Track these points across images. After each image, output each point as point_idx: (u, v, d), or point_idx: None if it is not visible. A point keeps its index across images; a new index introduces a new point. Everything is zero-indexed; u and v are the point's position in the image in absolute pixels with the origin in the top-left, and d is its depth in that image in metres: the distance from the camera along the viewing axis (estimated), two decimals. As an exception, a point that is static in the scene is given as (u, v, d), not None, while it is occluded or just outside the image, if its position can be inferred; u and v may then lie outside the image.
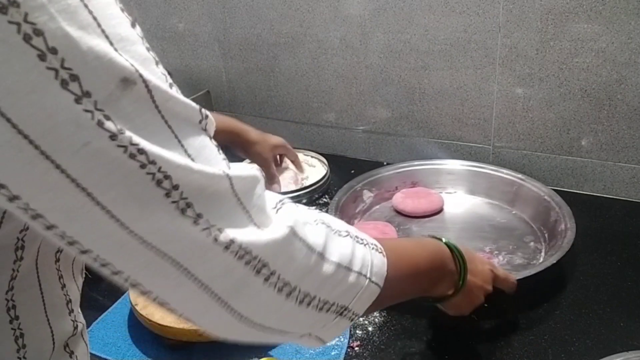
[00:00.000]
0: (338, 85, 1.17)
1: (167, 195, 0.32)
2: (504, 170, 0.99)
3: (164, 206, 0.32)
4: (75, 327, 0.48)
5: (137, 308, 0.72)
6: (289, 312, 0.40)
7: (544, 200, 0.91)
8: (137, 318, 0.73)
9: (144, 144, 0.31)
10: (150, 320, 0.70)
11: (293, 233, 0.39)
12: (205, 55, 1.29)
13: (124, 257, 0.34)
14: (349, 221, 0.94)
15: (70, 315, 0.48)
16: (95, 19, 0.29)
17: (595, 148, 0.98)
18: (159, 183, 0.32)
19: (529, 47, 0.95)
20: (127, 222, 0.32)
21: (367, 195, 1.00)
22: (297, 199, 1.03)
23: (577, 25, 0.90)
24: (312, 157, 1.16)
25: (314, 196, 1.05)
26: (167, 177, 0.32)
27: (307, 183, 1.06)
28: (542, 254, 0.85)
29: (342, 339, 0.71)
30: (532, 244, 0.87)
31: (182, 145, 0.33)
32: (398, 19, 1.04)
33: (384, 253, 0.49)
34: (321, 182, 1.06)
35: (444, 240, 0.61)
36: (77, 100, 0.28)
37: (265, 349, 0.70)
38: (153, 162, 0.31)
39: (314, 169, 1.12)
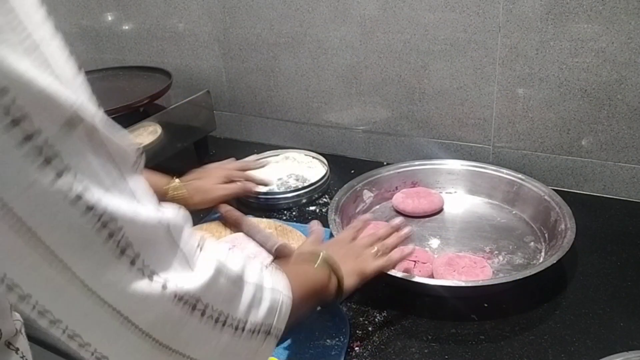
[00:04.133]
0: (338, 85, 1.17)
1: (110, 236, 0.33)
2: (504, 170, 0.99)
3: (105, 250, 0.33)
4: (17, 327, 0.50)
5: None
6: (228, 343, 0.42)
7: (544, 200, 0.91)
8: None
9: (87, 185, 0.31)
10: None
11: (220, 267, 0.41)
12: (205, 55, 1.29)
13: (63, 303, 0.33)
14: (349, 221, 0.94)
15: (12, 315, 0.49)
16: (47, 60, 0.30)
17: (595, 148, 0.98)
18: (102, 226, 0.32)
19: (529, 47, 0.95)
20: (70, 264, 0.32)
21: (367, 195, 1.00)
22: (297, 199, 1.03)
23: (577, 25, 0.91)
24: (312, 157, 1.16)
25: (313, 196, 1.05)
26: (109, 220, 0.32)
27: (307, 183, 1.06)
28: (542, 254, 0.85)
29: (342, 339, 0.71)
30: (532, 244, 0.88)
31: (120, 186, 0.34)
32: (398, 19, 1.04)
33: (278, 269, 0.53)
34: (321, 182, 1.06)
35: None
36: (26, 138, 0.29)
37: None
38: (96, 205, 0.32)
39: (314, 169, 1.13)
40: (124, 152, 0.35)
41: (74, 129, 0.31)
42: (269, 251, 0.86)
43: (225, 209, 0.96)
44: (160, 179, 0.92)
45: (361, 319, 0.75)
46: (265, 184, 1.04)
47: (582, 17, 0.89)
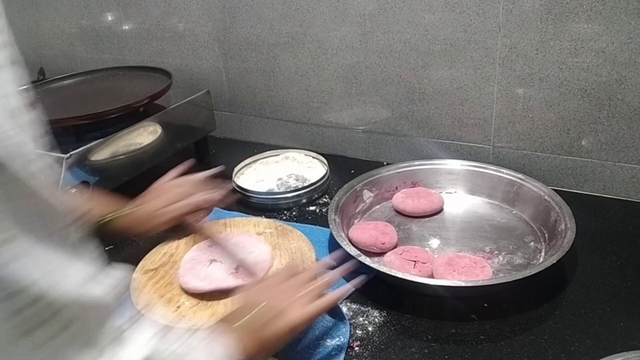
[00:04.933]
0: (338, 85, 1.17)
1: (16, 313, 0.30)
2: (504, 170, 0.99)
3: (7, 327, 0.30)
4: None
5: (138, 308, 0.72)
6: None
7: (544, 200, 0.91)
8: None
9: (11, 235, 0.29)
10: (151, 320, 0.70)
11: (152, 351, 0.40)
12: (205, 55, 1.29)
13: None
14: (349, 221, 0.94)
15: None
16: None
17: (595, 148, 0.98)
18: (9, 296, 0.29)
19: (529, 47, 0.95)
20: None
21: (367, 195, 1.00)
22: (297, 199, 1.03)
23: (577, 25, 0.91)
24: (312, 157, 1.17)
25: (313, 196, 1.05)
26: (21, 289, 0.29)
27: (307, 183, 1.06)
28: (542, 254, 0.85)
29: (342, 339, 0.71)
30: (532, 244, 0.88)
31: (41, 249, 0.31)
32: (398, 19, 1.04)
33: (219, 334, 0.51)
34: (321, 182, 1.06)
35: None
36: None
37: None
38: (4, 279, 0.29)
39: (314, 169, 1.13)
40: (55, 211, 0.32)
41: None
42: (234, 264, 0.82)
43: (199, 223, 0.85)
44: (104, 209, 0.77)
45: (361, 319, 0.75)
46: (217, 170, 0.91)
47: (582, 17, 0.89)
